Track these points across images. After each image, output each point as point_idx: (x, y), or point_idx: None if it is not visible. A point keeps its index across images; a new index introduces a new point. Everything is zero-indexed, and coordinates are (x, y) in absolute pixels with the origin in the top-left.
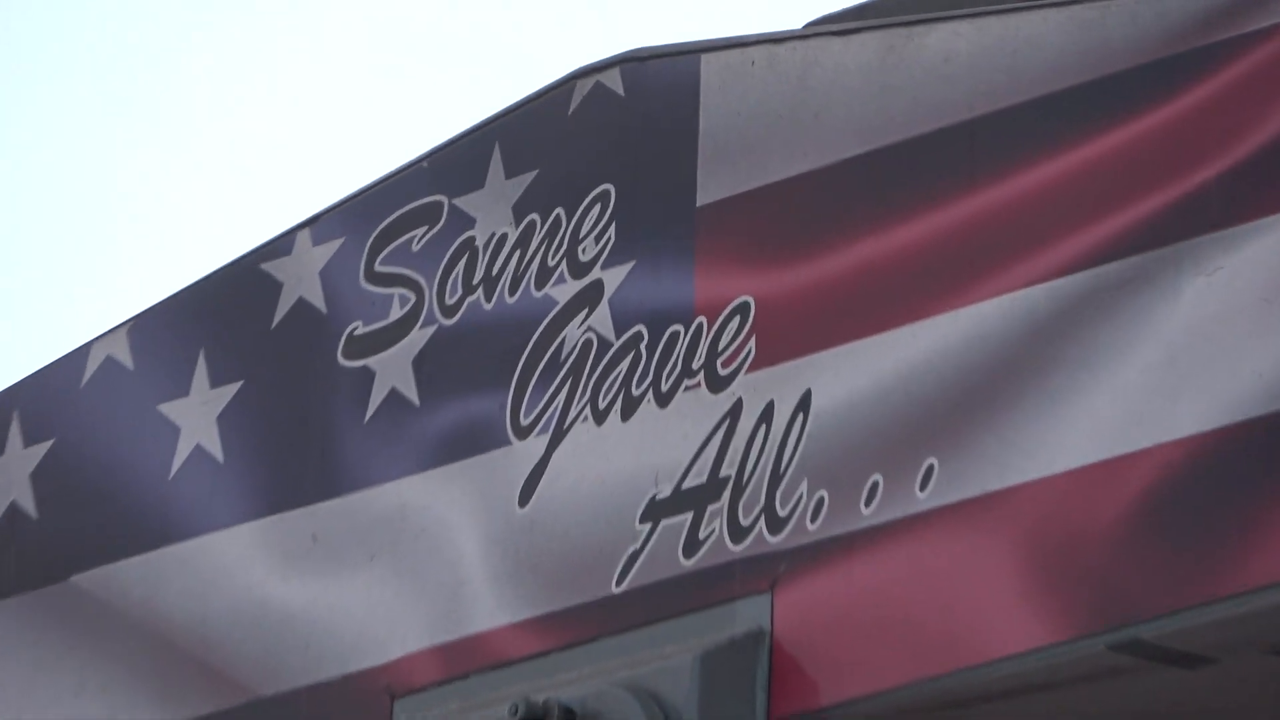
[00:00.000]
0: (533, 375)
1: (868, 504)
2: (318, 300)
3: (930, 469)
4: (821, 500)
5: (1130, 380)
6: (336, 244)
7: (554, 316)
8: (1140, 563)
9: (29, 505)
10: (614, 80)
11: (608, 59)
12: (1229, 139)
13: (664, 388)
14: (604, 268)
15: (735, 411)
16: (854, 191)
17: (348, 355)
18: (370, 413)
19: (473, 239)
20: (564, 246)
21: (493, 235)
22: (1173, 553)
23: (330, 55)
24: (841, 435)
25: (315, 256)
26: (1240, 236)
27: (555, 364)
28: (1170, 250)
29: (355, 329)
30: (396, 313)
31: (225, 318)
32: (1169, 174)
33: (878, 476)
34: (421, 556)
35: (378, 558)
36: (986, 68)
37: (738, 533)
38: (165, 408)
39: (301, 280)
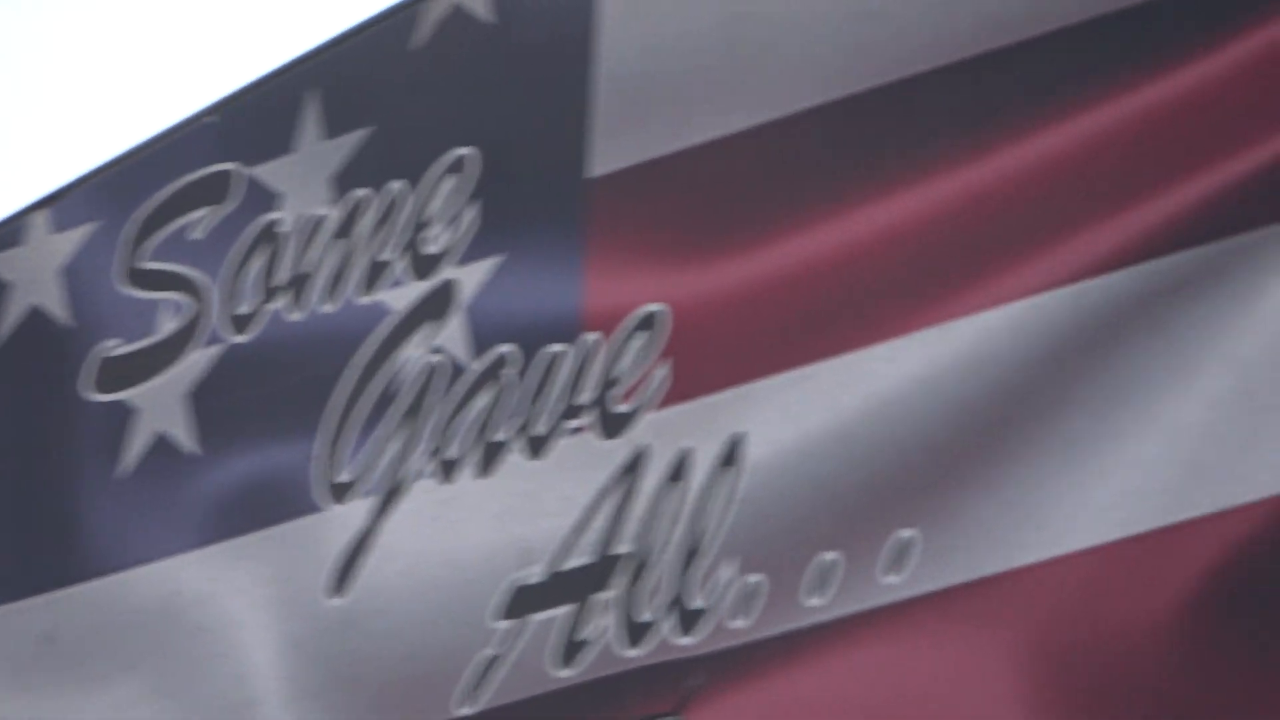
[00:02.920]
0: (353, 414)
1: (817, 593)
2: (58, 308)
3: (906, 545)
4: (755, 588)
5: (1188, 420)
6: (85, 231)
7: (388, 333)
8: (1197, 675)
9: None
10: (478, 1)
11: None
12: None
13: (538, 431)
14: (459, 264)
15: (637, 464)
16: (807, 159)
17: (101, 385)
18: (129, 465)
19: (276, 224)
20: (404, 234)
21: (304, 219)
22: (1241, 662)
23: None
24: (785, 498)
25: (55, 248)
26: None
27: (387, 399)
28: (1245, 240)
29: (110, 349)
30: (168, 326)
31: None
32: (1244, 134)
33: (833, 555)
34: (197, 665)
35: (137, 667)
36: None
37: (636, 632)
38: None
39: (36, 281)
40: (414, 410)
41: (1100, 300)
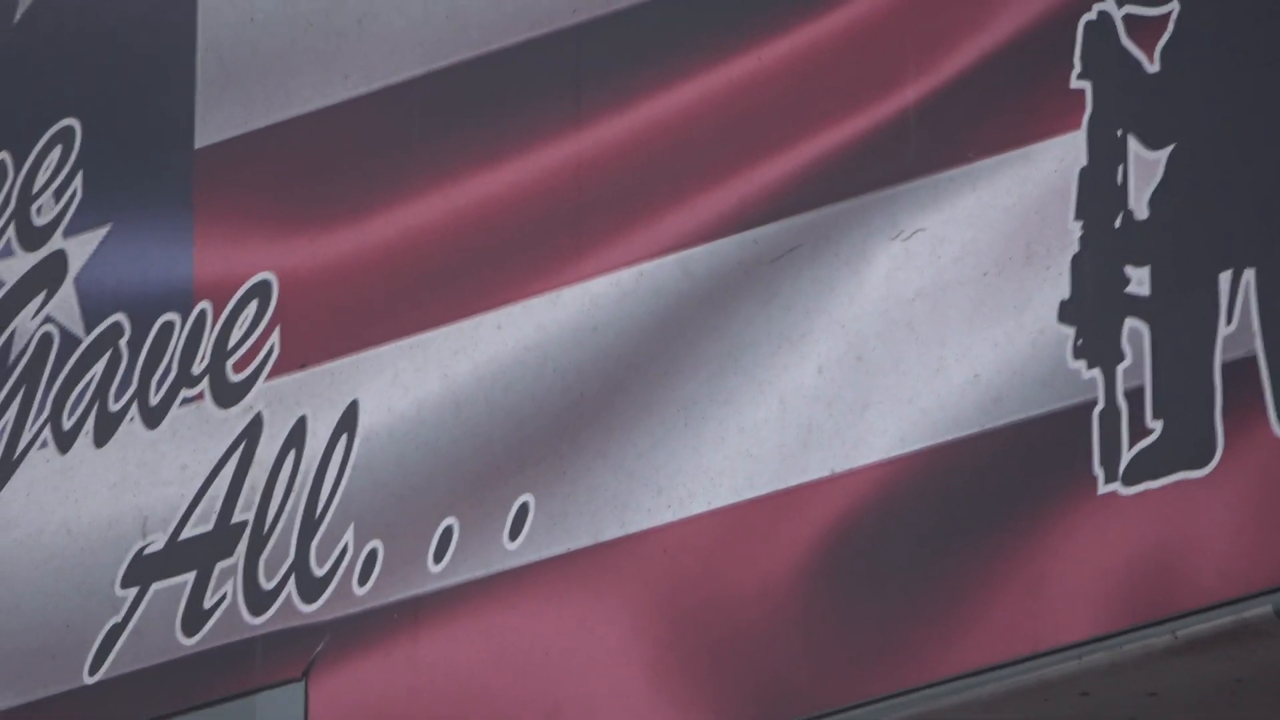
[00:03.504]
0: None
1: (438, 558)
2: None
3: (524, 509)
4: (374, 554)
5: (799, 384)
6: None
7: None
8: (812, 637)
9: None
10: None
11: None
12: (934, 50)
13: (153, 401)
14: (67, 234)
15: (253, 432)
16: (411, 128)
17: None
18: None
19: None
20: (12, 205)
21: None
22: (857, 624)
23: None
24: (401, 464)
25: None
26: (948, 186)
27: (1, 369)
28: (852, 205)
29: None
30: None
31: None
32: (850, 102)
33: (451, 520)
34: None
35: None
36: None
37: (258, 599)
38: None
39: None
40: (28, 380)
41: (707, 267)
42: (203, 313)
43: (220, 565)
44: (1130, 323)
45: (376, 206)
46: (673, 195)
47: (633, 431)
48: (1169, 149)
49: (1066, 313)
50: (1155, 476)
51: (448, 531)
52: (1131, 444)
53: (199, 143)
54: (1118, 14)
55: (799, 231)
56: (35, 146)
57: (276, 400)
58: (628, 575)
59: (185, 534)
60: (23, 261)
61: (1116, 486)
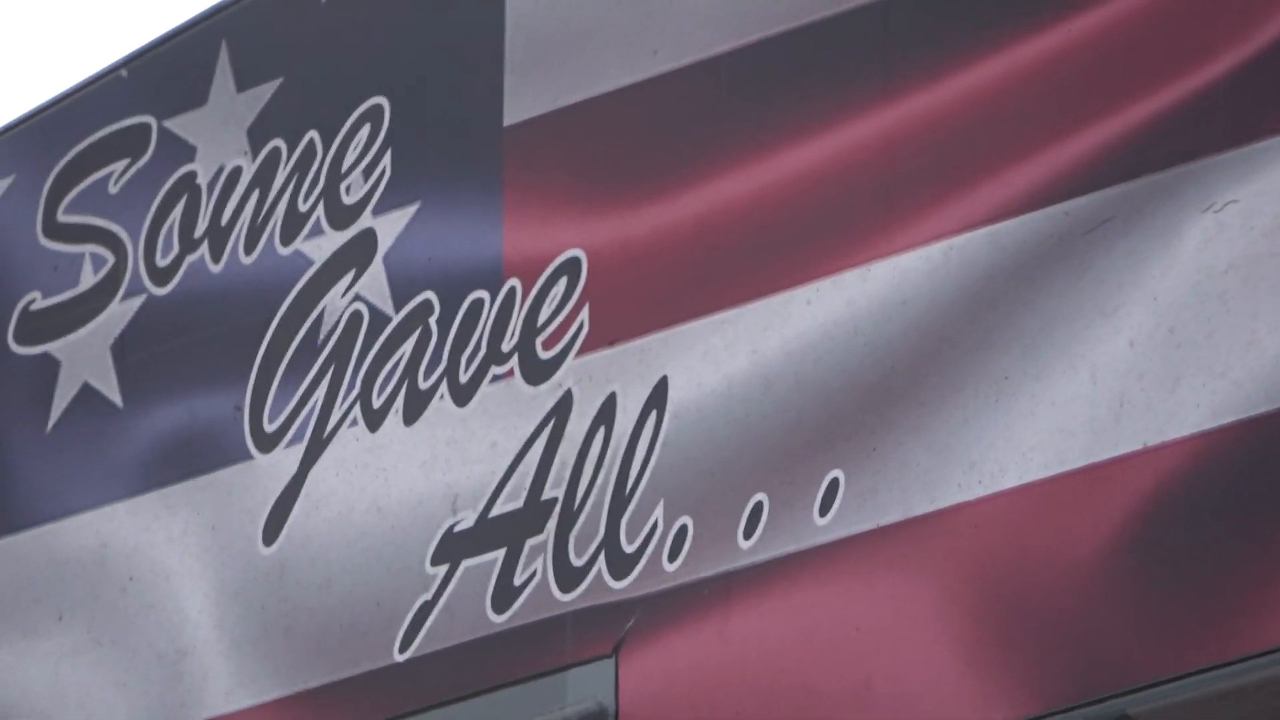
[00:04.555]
0: (280, 364)
1: (747, 535)
2: None
3: (834, 485)
4: (684, 530)
5: (1111, 358)
6: (3, 186)
7: (308, 282)
8: (1126, 611)
9: None
10: None
11: None
12: (1246, 20)
13: (463, 379)
14: (377, 213)
15: (562, 409)
16: (721, 104)
17: (22, 338)
18: (55, 417)
19: (193, 175)
20: (321, 184)
21: (220, 170)
22: (1170, 597)
23: None
24: (711, 440)
25: None
26: (1261, 158)
27: (311, 347)
28: (1163, 178)
29: (32, 302)
30: (89, 279)
31: None
32: (1161, 74)
33: (761, 496)
34: (130, 615)
35: (69, 617)
36: None
37: (568, 576)
38: None
39: None
40: (338, 359)
41: (1019, 240)
42: (512, 290)
43: (530, 542)
44: None
45: (685, 183)
46: (982, 169)
47: (944, 406)
48: None
49: None
50: None
51: (758, 507)
52: None
53: (508, 120)
54: None
55: (1111, 204)
56: (344, 126)
57: (586, 377)
58: (938, 551)
59: (495, 511)
60: (332, 240)
61: None
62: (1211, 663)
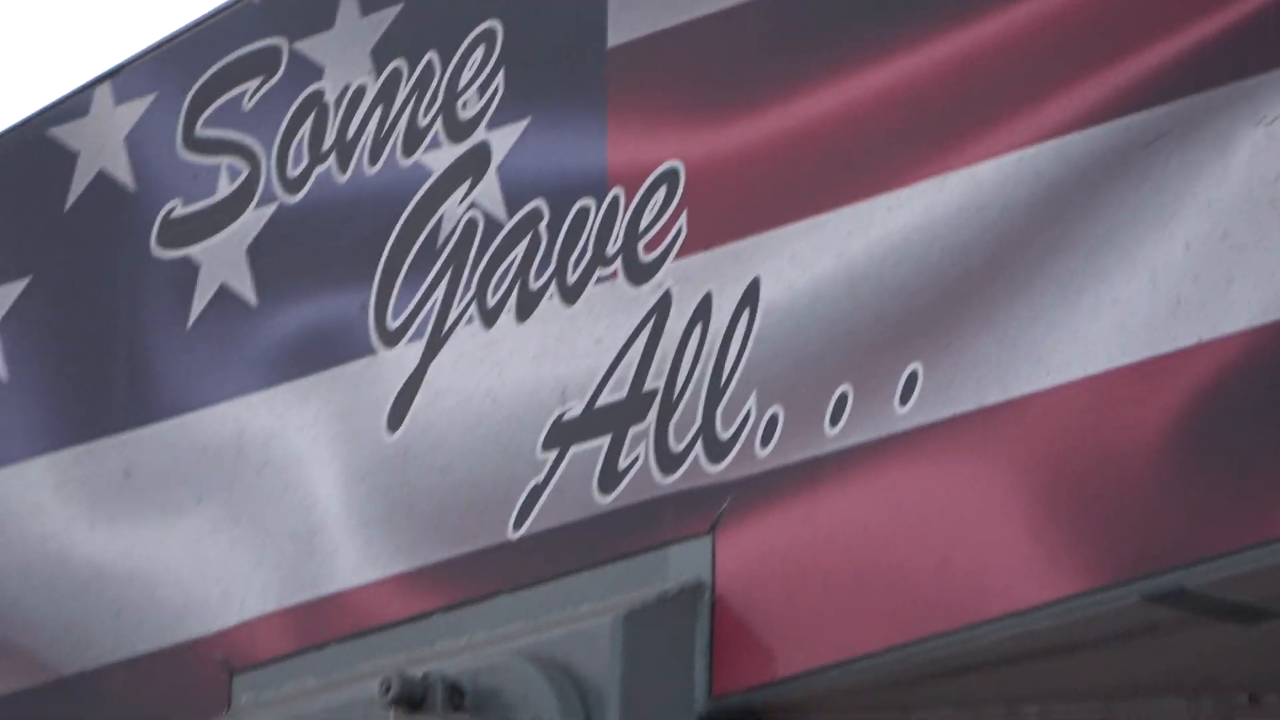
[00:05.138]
0: (402, 265)
1: (834, 422)
2: (124, 174)
3: (913, 377)
4: (775, 418)
5: (1168, 260)
6: (146, 102)
7: (428, 191)
8: (1184, 491)
9: None
10: None
11: None
12: None
13: (571, 280)
14: (490, 127)
15: (662, 308)
16: (813, 23)
17: (164, 243)
18: (195, 315)
19: (321, 93)
20: (439, 101)
21: (346, 88)
22: (1226, 478)
23: None
24: (799, 335)
25: (119, 118)
26: None
27: (431, 251)
28: (1218, 94)
29: (173, 210)
30: (225, 188)
31: (7, 196)
32: None
33: (846, 387)
34: (264, 497)
35: (208, 498)
36: None
37: (668, 461)
38: None
39: (103, 149)
40: (456, 262)
41: (1084, 152)
42: (616, 198)
43: (633, 429)
44: None
45: (776, 99)
46: (1050, 86)
47: (1014, 304)
48: None
49: None
50: None
51: (842, 397)
52: None
53: (611, 42)
54: None
55: (1168, 118)
56: (460, 47)
57: (684, 278)
58: (1010, 437)
59: (601, 401)
60: (449, 152)
61: None
62: (1261, 540)
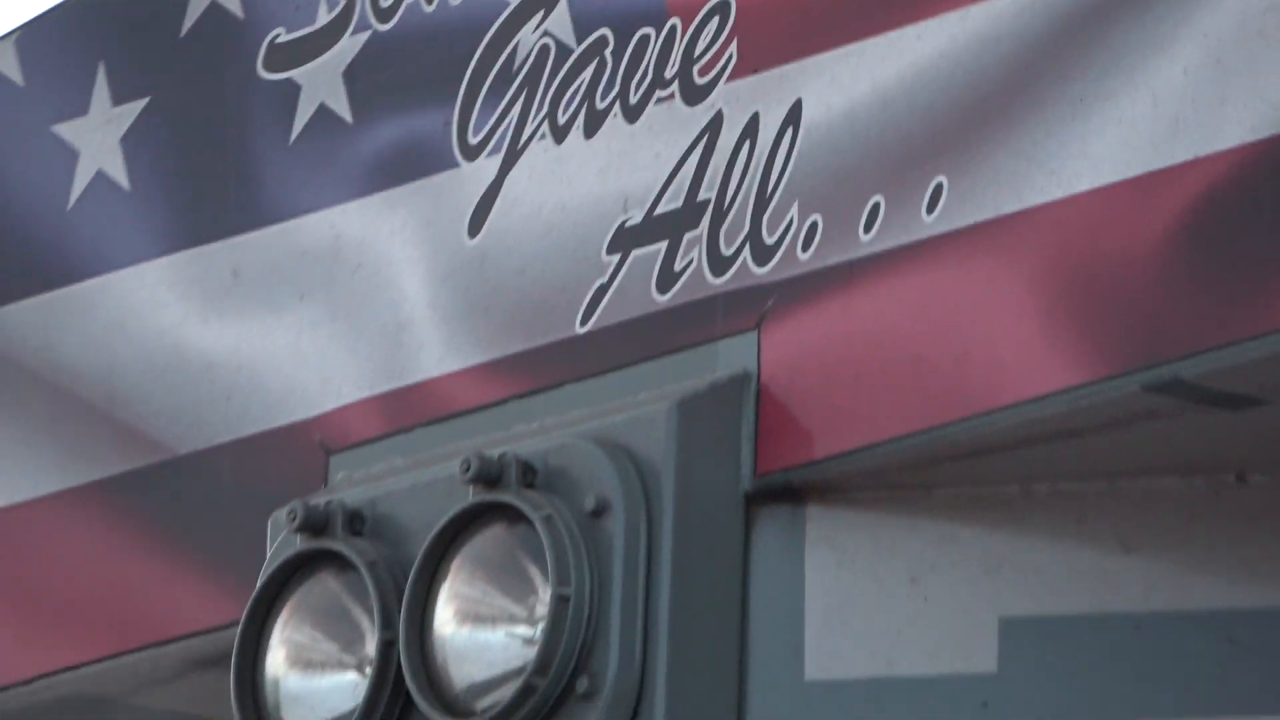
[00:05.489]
0: (481, 87)
1: (867, 229)
2: (233, 4)
3: (939, 188)
4: (815, 225)
5: (1168, 84)
6: None
7: (505, 20)
8: (1180, 292)
9: None
10: None
11: None
12: None
13: (633, 100)
14: None
15: (715, 126)
16: None
17: (269, 67)
18: (297, 132)
19: None
20: None
21: None
22: (1218, 279)
23: None
24: (837, 151)
25: None
26: None
27: (507, 74)
28: None
29: (277, 36)
30: (324, 17)
31: (128, 24)
32: None
33: (879, 198)
34: (358, 295)
35: (308, 297)
36: None
37: (719, 264)
38: (61, 128)
39: None
40: (529, 84)
41: None
42: (674, 27)
43: (688, 235)
44: None
45: None
46: None
47: (1029, 122)
48: None
49: None
50: None
51: (875, 207)
52: None
53: None
54: None
55: None
56: None
57: (734, 99)
58: (1026, 243)
59: (659, 210)
60: None
61: None
62: (1249, 334)
